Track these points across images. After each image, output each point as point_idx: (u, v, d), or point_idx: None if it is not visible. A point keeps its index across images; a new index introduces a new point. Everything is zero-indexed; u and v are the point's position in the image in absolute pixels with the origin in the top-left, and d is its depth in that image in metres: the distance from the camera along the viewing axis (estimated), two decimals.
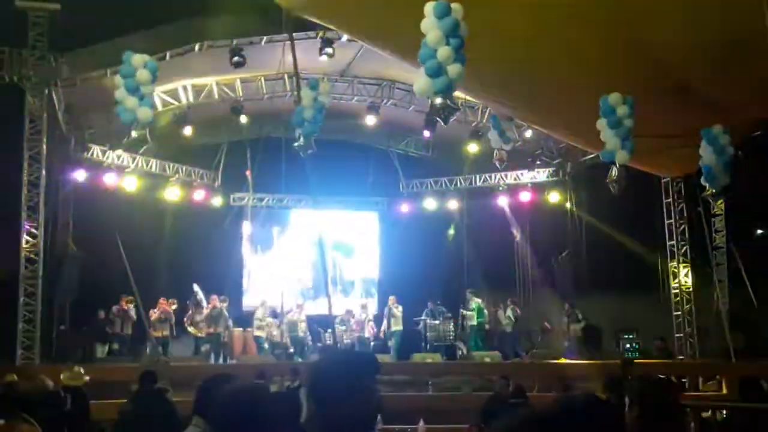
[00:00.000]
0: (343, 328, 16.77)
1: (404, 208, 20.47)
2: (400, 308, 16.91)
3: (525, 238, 20.11)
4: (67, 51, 13.43)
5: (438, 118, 8.18)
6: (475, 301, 17.06)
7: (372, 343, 16.88)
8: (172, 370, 12.15)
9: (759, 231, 17.27)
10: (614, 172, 9.89)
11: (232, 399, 2.57)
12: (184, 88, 15.67)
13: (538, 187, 19.18)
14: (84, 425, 8.36)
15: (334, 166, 16.69)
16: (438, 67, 7.46)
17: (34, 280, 12.93)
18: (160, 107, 14.89)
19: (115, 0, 13.71)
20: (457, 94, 10.02)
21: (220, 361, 15.38)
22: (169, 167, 18.05)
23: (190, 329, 15.94)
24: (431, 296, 17.63)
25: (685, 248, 16.37)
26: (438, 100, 7.72)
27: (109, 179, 16.44)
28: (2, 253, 13.25)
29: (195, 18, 13.38)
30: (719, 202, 14.41)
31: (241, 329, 16.69)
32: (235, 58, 13.57)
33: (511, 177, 19.28)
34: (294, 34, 11.79)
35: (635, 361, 12.67)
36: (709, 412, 7.92)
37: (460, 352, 16.40)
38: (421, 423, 10.58)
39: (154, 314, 15.50)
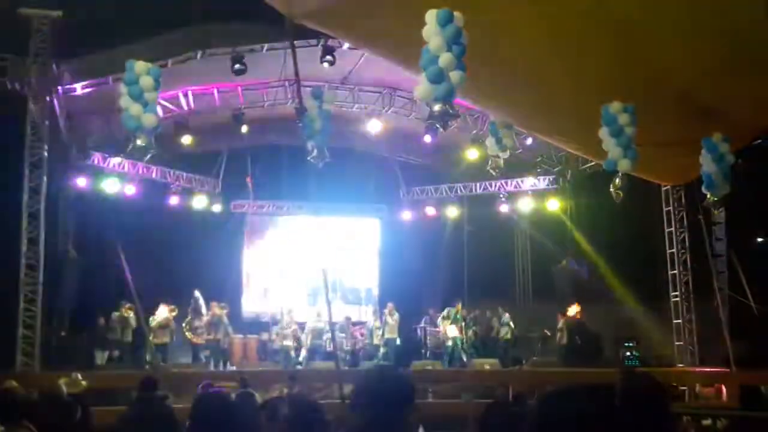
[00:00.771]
0: (343, 335, 16.75)
1: (405, 215, 20.48)
2: (396, 316, 16.86)
3: (525, 246, 20.15)
4: (68, 58, 13.47)
5: (437, 125, 8.21)
6: (450, 310, 16.89)
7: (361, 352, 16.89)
8: (172, 377, 12.14)
9: (759, 239, 17.28)
10: (617, 180, 9.91)
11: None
12: (185, 95, 15.71)
13: (539, 195, 19.20)
14: None
15: (334, 173, 16.66)
16: (440, 73, 7.50)
17: (34, 287, 12.94)
18: (161, 114, 14.92)
19: (116, 7, 13.74)
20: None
21: (220, 368, 15.36)
22: (169, 174, 18.08)
23: (189, 336, 15.93)
24: (431, 303, 17.59)
25: (685, 256, 16.36)
26: (437, 107, 7.76)
27: (110, 186, 16.47)
28: (2, 260, 13.26)
29: (196, 25, 13.44)
30: (719, 210, 14.41)
31: (240, 336, 16.67)
32: (237, 66, 13.60)
33: (511, 184, 19.31)
34: (295, 41, 11.82)
35: (635, 369, 12.65)
36: (709, 420, 7.91)
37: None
38: (421, 430, 10.53)
39: (155, 321, 15.50)
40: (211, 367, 15.31)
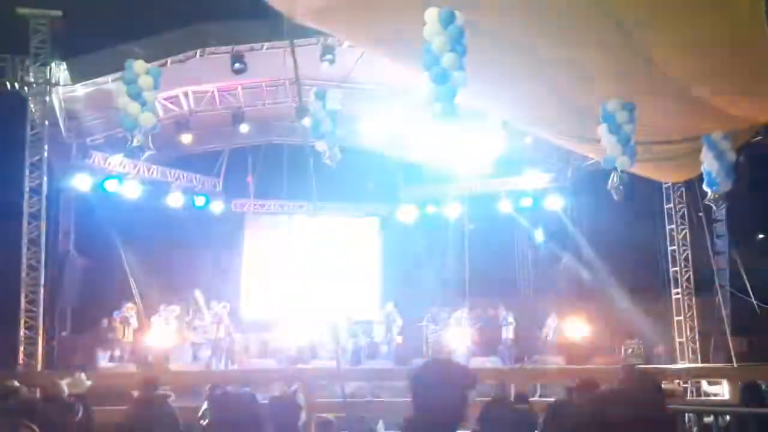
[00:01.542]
0: (344, 335, 16.74)
1: (404, 213, 20.43)
2: (396, 315, 16.84)
3: (526, 244, 20.13)
4: (68, 58, 13.47)
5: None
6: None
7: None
8: (173, 377, 12.16)
9: (760, 236, 17.28)
10: (615, 178, 9.90)
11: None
12: (185, 94, 15.71)
13: (539, 193, 19.18)
14: None
15: (334, 172, 16.68)
16: (443, 73, 7.51)
17: (35, 287, 12.92)
18: (161, 114, 14.92)
19: (116, 7, 13.76)
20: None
21: (221, 366, 15.37)
22: (170, 173, 18.08)
23: (190, 335, 15.94)
24: (432, 302, 17.59)
25: (686, 253, 16.35)
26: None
27: (111, 186, 16.48)
28: (3, 260, 13.27)
29: (196, 25, 13.44)
30: (721, 207, 14.41)
31: (241, 335, 16.68)
32: (236, 65, 13.59)
33: (511, 182, 19.28)
34: (295, 40, 11.81)
35: (637, 366, 12.64)
36: (711, 417, 7.90)
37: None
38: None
39: (156, 320, 15.51)
40: (212, 367, 15.33)
